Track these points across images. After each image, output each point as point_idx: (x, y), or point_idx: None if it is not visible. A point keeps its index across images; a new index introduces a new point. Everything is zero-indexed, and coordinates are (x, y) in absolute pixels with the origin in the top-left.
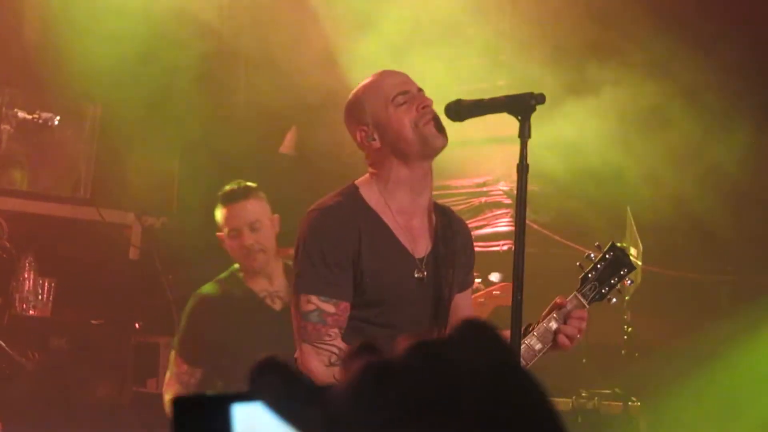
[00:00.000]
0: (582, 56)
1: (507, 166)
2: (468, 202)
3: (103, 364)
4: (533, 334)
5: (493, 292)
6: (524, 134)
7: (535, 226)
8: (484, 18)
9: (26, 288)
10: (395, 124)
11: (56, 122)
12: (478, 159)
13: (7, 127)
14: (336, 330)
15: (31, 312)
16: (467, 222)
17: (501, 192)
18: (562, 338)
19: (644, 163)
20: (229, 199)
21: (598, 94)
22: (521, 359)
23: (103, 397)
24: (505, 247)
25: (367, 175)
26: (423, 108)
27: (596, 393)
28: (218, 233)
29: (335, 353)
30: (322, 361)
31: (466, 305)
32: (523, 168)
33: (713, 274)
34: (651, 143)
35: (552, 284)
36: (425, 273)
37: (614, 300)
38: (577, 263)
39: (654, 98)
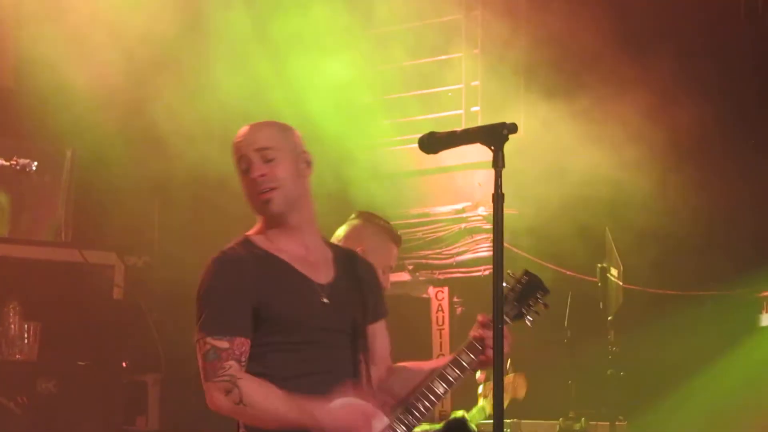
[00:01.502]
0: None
1: (485, 191)
2: (447, 229)
3: (91, 405)
4: (462, 350)
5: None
6: (498, 164)
7: (515, 250)
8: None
9: (11, 333)
10: (243, 190)
11: (34, 167)
12: (456, 185)
13: None
14: (231, 362)
15: (17, 356)
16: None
17: (480, 217)
18: (489, 351)
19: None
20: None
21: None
22: (453, 371)
23: None
24: (486, 272)
25: (257, 225)
26: (256, 180)
27: (583, 413)
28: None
29: (228, 380)
30: (222, 392)
31: (381, 337)
32: (498, 197)
33: (695, 290)
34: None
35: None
36: (330, 299)
37: (531, 320)
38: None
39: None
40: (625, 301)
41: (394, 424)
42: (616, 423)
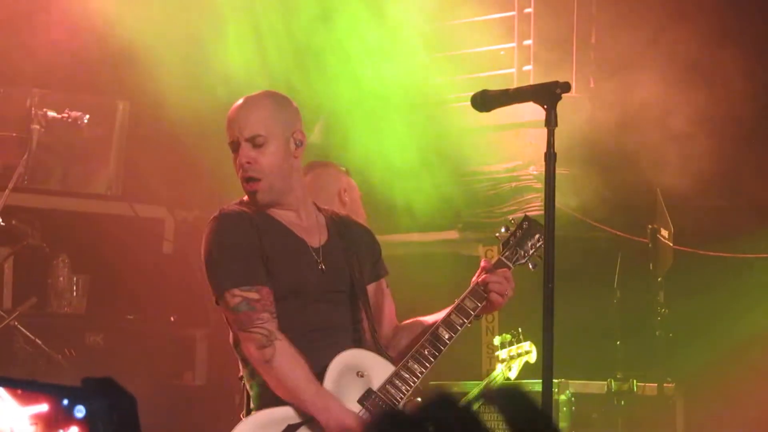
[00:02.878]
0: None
1: (536, 149)
2: (498, 188)
3: (139, 359)
4: (465, 296)
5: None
6: (551, 122)
7: (567, 210)
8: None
9: (60, 285)
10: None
11: (85, 120)
12: (507, 144)
13: (38, 126)
14: (266, 314)
15: (65, 309)
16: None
17: (531, 177)
18: (493, 295)
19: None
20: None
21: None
22: (457, 317)
23: (140, 390)
24: None
25: None
26: (242, 167)
27: (631, 374)
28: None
29: (266, 335)
30: (255, 345)
31: (382, 294)
32: (550, 156)
33: (747, 253)
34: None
35: (586, 266)
36: (325, 263)
37: (534, 265)
38: (495, 234)
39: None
40: (675, 263)
41: (401, 370)
42: (664, 385)
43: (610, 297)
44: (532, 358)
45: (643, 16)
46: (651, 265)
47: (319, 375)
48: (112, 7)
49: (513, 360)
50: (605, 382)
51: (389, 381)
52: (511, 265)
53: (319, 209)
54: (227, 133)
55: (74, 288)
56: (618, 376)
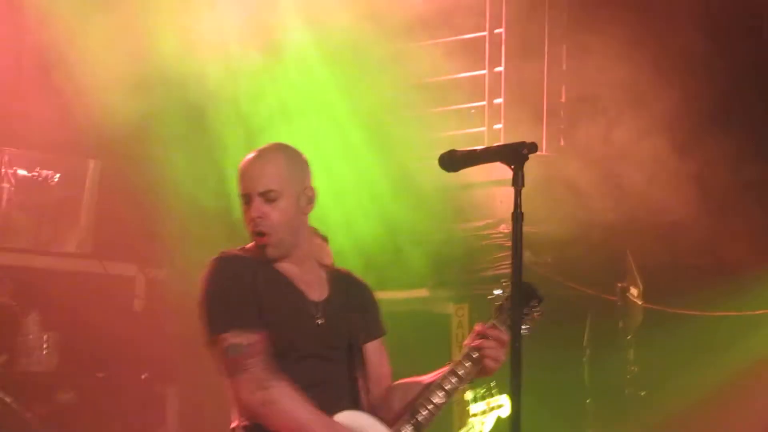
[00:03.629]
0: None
1: (507, 208)
2: (469, 246)
3: (109, 417)
4: (459, 361)
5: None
6: (518, 183)
7: (535, 268)
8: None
9: (30, 343)
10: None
11: (56, 179)
12: (478, 202)
13: (7, 185)
14: (257, 359)
15: (36, 367)
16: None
17: (501, 235)
18: (487, 360)
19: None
20: None
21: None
22: (451, 381)
23: None
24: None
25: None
26: (253, 221)
27: None
28: None
29: (259, 379)
30: (248, 389)
31: (379, 356)
32: (517, 216)
33: (716, 310)
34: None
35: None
36: (326, 317)
37: (526, 329)
38: (488, 297)
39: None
40: (644, 321)
41: None
42: None
43: (580, 355)
44: (506, 411)
45: (614, 75)
46: (620, 322)
47: None
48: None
49: (485, 413)
50: None
51: None
52: (505, 329)
53: (320, 265)
54: (239, 185)
55: (44, 345)
56: None
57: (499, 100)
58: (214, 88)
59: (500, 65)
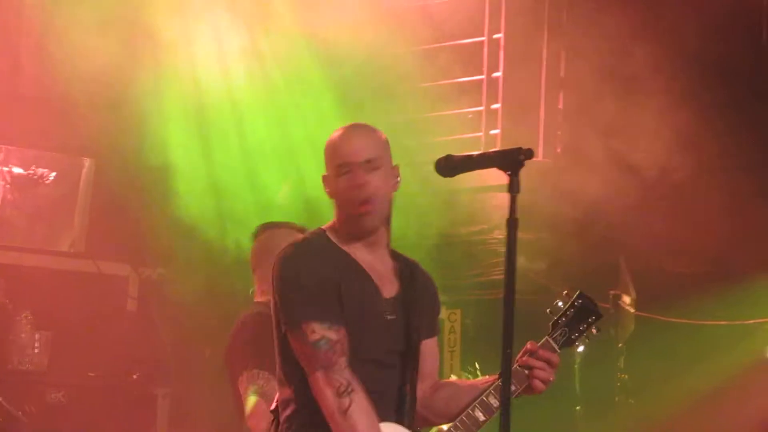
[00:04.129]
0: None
1: (503, 213)
2: (464, 251)
3: (100, 417)
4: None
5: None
6: (513, 189)
7: (529, 275)
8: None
9: (22, 342)
10: (334, 191)
11: (51, 177)
12: (473, 207)
13: (3, 183)
14: (344, 359)
15: (27, 366)
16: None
17: (497, 240)
18: (536, 382)
19: (634, 211)
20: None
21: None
22: (494, 399)
23: None
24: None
25: (332, 221)
26: (357, 188)
27: None
28: None
29: (346, 383)
30: (334, 390)
31: (431, 354)
32: (512, 222)
33: (707, 319)
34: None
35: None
36: (394, 315)
37: (582, 347)
38: (547, 310)
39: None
40: (636, 329)
41: None
42: None
43: (571, 362)
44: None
45: (612, 79)
46: (612, 330)
47: None
48: (83, 65)
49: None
50: None
51: None
52: (557, 348)
53: (391, 253)
54: (333, 158)
55: (36, 344)
56: None
57: (496, 106)
58: (210, 90)
59: (498, 70)
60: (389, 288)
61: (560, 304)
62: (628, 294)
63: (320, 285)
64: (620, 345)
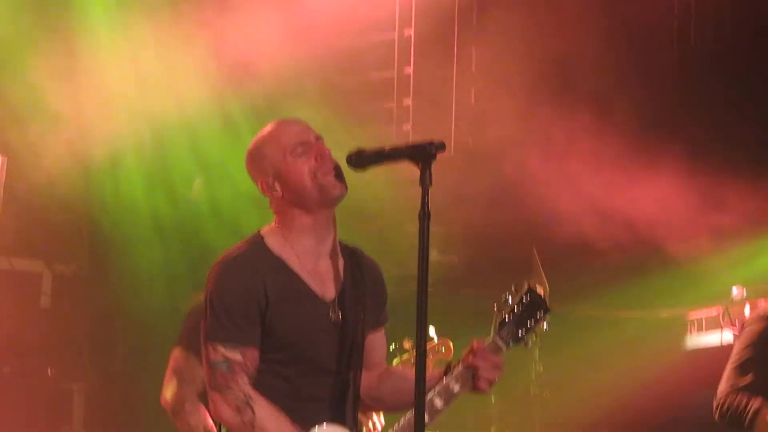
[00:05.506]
0: None
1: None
2: (373, 246)
3: (15, 412)
4: (452, 377)
5: (437, 348)
6: (425, 181)
7: (442, 268)
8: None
9: None
10: (294, 175)
11: None
12: (383, 201)
13: None
14: (243, 377)
15: None
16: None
17: (407, 234)
18: (481, 383)
19: (548, 204)
20: None
21: None
22: (441, 399)
23: None
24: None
25: (272, 223)
26: (321, 157)
27: (506, 431)
28: None
29: (242, 399)
30: (231, 408)
31: (379, 345)
32: (424, 214)
33: (621, 310)
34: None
35: (463, 323)
36: (339, 314)
37: (530, 344)
38: (494, 305)
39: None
40: (550, 321)
41: None
42: None
43: None
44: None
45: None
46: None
47: None
48: None
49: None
50: None
51: None
52: (505, 347)
53: (339, 244)
54: (282, 144)
55: None
56: None
57: (408, 101)
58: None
59: (409, 66)
60: (331, 289)
61: (509, 300)
62: (542, 285)
63: (237, 307)
64: (535, 337)
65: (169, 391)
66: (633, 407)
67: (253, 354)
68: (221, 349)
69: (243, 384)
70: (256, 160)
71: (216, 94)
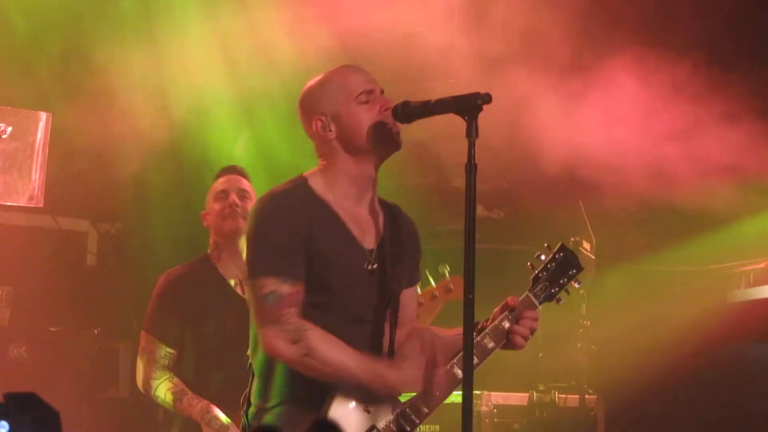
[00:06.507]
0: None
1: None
2: (418, 201)
3: (63, 371)
4: (486, 333)
5: (449, 286)
6: (471, 134)
7: (490, 222)
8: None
9: None
10: (355, 121)
11: (8, 132)
12: (425, 158)
13: None
14: (293, 309)
15: None
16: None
17: (453, 189)
18: (515, 338)
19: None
20: (228, 171)
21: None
22: (474, 356)
23: (64, 404)
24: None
25: (316, 168)
26: (385, 110)
27: (553, 386)
28: (203, 212)
29: (295, 330)
30: (287, 341)
31: (411, 302)
32: (471, 168)
33: (668, 265)
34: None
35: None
36: (375, 265)
37: (562, 301)
38: (528, 263)
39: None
40: (597, 275)
41: (408, 409)
42: (586, 396)
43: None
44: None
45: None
46: None
47: (327, 401)
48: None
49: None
50: (527, 394)
51: (394, 420)
52: (538, 303)
53: (378, 199)
54: (354, 85)
55: None
56: (540, 388)
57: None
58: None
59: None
60: (370, 238)
61: (542, 257)
62: (588, 240)
63: (284, 240)
64: (582, 291)
65: (138, 374)
66: (680, 360)
67: (301, 289)
68: (269, 282)
69: (293, 316)
70: (315, 98)
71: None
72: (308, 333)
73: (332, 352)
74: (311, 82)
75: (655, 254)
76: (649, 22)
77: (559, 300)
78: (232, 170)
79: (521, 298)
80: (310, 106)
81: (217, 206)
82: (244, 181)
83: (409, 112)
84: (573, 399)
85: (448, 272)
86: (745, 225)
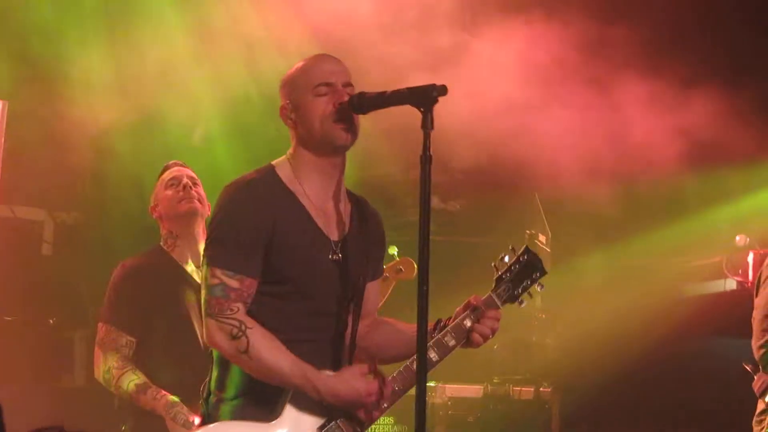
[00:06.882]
0: None
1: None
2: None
3: (17, 360)
4: (448, 330)
5: (398, 267)
6: (426, 126)
7: (445, 214)
8: None
9: None
10: (308, 114)
11: None
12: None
13: None
14: (239, 305)
15: None
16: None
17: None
18: (476, 336)
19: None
20: (174, 164)
21: None
22: (435, 353)
23: (18, 393)
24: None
25: (284, 156)
26: (338, 104)
27: (508, 379)
28: (151, 206)
29: (237, 326)
30: (228, 334)
31: (374, 295)
32: (426, 159)
33: (623, 257)
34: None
35: (459, 272)
36: (339, 256)
37: (524, 303)
38: (492, 264)
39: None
40: (552, 268)
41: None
42: (540, 389)
43: None
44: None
45: None
46: None
47: (284, 392)
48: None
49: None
50: (482, 386)
51: (353, 413)
52: (500, 305)
53: (346, 191)
54: (315, 76)
55: None
56: (494, 381)
57: None
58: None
59: None
60: (336, 229)
61: (506, 258)
62: (543, 233)
63: (243, 235)
64: (538, 289)
65: (97, 365)
66: (631, 351)
67: (251, 284)
68: (220, 274)
69: (237, 310)
70: (286, 84)
71: None
72: (249, 331)
73: (269, 353)
74: (291, 68)
75: (610, 248)
76: None
77: (521, 302)
78: (178, 163)
79: (484, 298)
80: (282, 90)
81: (169, 192)
82: (191, 170)
83: (364, 103)
84: (527, 392)
85: (397, 254)
86: (701, 220)
